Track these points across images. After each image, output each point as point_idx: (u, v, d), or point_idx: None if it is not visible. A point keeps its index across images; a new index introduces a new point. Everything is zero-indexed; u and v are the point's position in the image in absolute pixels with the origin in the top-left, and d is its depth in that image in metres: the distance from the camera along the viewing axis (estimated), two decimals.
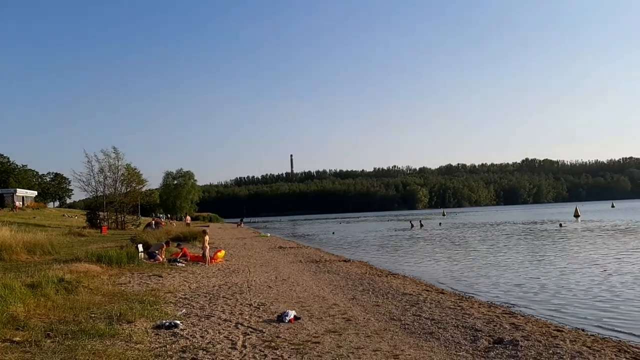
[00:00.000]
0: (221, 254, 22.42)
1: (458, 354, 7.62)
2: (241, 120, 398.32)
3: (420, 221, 64.13)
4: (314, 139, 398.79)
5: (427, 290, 14.32)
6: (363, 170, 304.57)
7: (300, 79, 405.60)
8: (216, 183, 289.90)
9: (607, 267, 18.77)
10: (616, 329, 9.96)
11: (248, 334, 8.71)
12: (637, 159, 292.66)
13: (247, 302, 11.79)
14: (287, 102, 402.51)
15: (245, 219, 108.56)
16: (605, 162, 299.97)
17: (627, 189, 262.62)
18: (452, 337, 8.64)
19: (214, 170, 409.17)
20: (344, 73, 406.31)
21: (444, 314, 10.59)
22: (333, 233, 54.34)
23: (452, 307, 11.54)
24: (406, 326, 9.44)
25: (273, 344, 8.07)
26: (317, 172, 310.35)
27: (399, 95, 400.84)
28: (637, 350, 8.12)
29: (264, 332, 8.82)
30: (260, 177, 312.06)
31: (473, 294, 14.35)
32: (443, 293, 14.08)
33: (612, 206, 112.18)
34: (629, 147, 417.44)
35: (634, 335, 9.43)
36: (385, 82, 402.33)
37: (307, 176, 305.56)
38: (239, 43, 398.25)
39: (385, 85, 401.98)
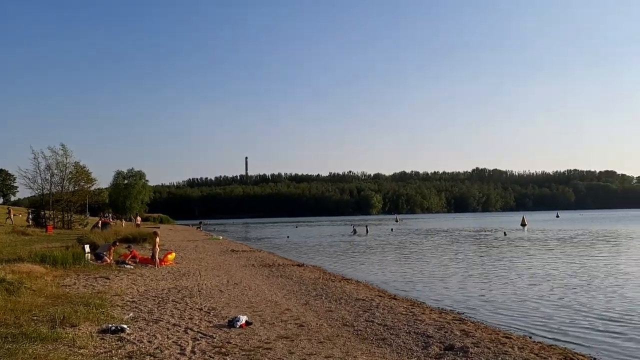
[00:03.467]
0: (171, 256, 21.94)
1: None
2: (196, 120, 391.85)
3: (366, 227, 64.29)
4: (270, 142, 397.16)
5: (380, 296, 14.37)
6: (319, 174, 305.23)
7: (257, 81, 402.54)
8: (168, 184, 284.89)
9: (552, 274, 19.34)
10: (561, 335, 10.21)
11: (198, 340, 8.49)
12: (580, 171, 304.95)
13: (197, 307, 11.53)
14: (243, 103, 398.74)
15: (204, 223, 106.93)
16: (551, 173, 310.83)
17: (571, 200, 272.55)
18: (404, 343, 8.66)
19: (166, 170, 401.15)
20: (302, 77, 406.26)
21: (396, 320, 10.62)
22: (287, 237, 54.13)
23: (404, 313, 11.60)
24: (359, 332, 9.41)
25: (223, 349, 7.89)
26: (272, 175, 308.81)
27: (357, 103, 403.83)
28: (582, 357, 8.35)
29: (214, 338, 8.62)
30: (214, 179, 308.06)
31: (425, 300, 14.49)
32: (396, 299, 14.16)
33: (557, 216, 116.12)
34: (574, 159, 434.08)
35: (579, 345, 9.67)
36: (342, 89, 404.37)
37: (262, 179, 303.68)
38: (191, 41, 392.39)
39: (343, 91, 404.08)
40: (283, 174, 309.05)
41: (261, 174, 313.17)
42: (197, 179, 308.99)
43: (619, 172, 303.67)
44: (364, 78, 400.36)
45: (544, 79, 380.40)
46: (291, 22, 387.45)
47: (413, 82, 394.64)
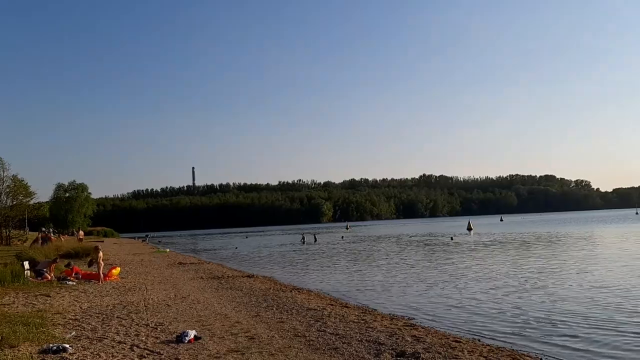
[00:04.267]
0: (116, 271, 21.26)
1: None
2: (139, 130, 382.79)
3: (314, 235, 64.27)
4: (218, 151, 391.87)
5: (332, 305, 14.32)
6: (268, 183, 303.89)
7: (203, 89, 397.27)
8: (112, 196, 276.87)
9: (498, 277, 19.83)
10: (509, 337, 10.41)
11: (144, 357, 8.19)
12: (522, 176, 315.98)
13: (143, 322, 11.15)
14: (188, 112, 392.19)
15: (150, 235, 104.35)
16: (495, 178, 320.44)
17: (514, 204, 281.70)
18: (356, 351, 8.62)
19: (110, 182, 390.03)
20: (247, 86, 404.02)
21: (348, 329, 10.58)
22: (236, 248, 53.50)
23: (356, 321, 11.58)
24: (311, 342, 9.31)
25: None
26: (221, 185, 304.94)
27: (306, 111, 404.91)
28: (529, 357, 8.52)
29: (162, 354, 8.34)
30: (159, 190, 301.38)
31: (377, 307, 14.53)
32: (347, 307, 14.14)
33: (501, 220, 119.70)
34: (515, 165, 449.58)
35: (527, 345, 9.89)
36: (289, 96, 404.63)
37: (210, 189, 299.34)
38: (138, 49, 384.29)
39: (290, 99, 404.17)
40: (231, 184, 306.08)
41: (209, 184, 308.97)
42: (142, 190, 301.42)
43: (558, 176, 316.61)
44: (311, 87, 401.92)
45: (487, 86, 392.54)
46: (229, 22, 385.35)
47: (359, 91, 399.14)
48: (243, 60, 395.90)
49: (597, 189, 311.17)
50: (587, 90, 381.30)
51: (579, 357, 8.85)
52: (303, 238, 59.48)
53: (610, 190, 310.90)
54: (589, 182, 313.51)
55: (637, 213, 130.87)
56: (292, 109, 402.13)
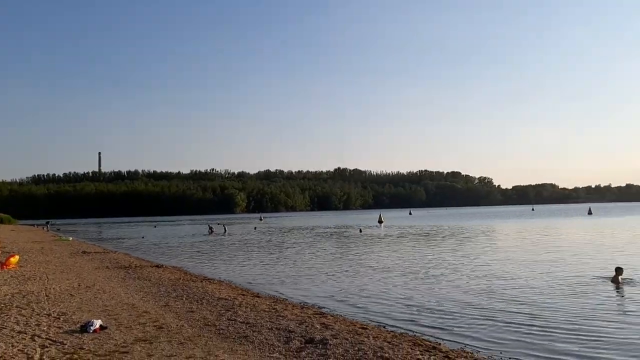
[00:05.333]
0: (14, 259, 20.12)
1: (271, 355, 7.74)
2: (43, 111, 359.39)
3: (224, 226, 63.63)
4: (126, 137, 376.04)
5: (243, 295, 14.37)
6: (179, 172, 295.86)
7: (110, 68, 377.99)
8: (9, 180, 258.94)
9: (404, 266, 20.70)
10: (412, 324, 10.95)
11: (47, 347, 7.91)
12: (431, 172, 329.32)
13: (45, 312, 10.70)
14: (95, 93, 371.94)
15: (52, 222, 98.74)
16: (405, 173, 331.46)
17: (422, 199, 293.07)
18: (266, 339, 8.76)
19: (6, 165, 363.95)
20: (157, 70, 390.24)
21: (258, 317, 10.70)
22: (143, 237, 51.95)
23: (267, 310, 11.72)
24: (221, 331, 9.35)
25: (75, 356, 7.45)
26: (129, 172, 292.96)
27: (219, 99, 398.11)
28: (429, 343, 9.04)
29: (65, 344, 8.08)
30: (62, 175, 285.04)
31: (288, 296, 14.75)
32: (258, 297, 14.25)
33: (410, 213, 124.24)
34: (425, 161, 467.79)
35: (428, 330, 10.45)
36: (202, 84, 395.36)
37: (117, 176, 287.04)
38: (36, 23, 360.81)
39: (202, 87, 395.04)
40: (140, 171, 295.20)
41: (116, 170, 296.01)
42: (43, 175, 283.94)
43: (463, 173, 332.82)
44: (225, 76, 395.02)
45: (398, 85, 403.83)
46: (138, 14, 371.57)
47: (275, 80, 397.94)
48: (154, 43, 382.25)
49: (499, 186, 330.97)
50: (489, 92, 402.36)
51: (474, 342, 9.47)
52: (210, 228, 58.40)
53: (510, 187, 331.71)
54: (492, 179, 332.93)
55: (532, 209, 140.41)
56: (205, 97, 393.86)
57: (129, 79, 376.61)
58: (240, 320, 10.33)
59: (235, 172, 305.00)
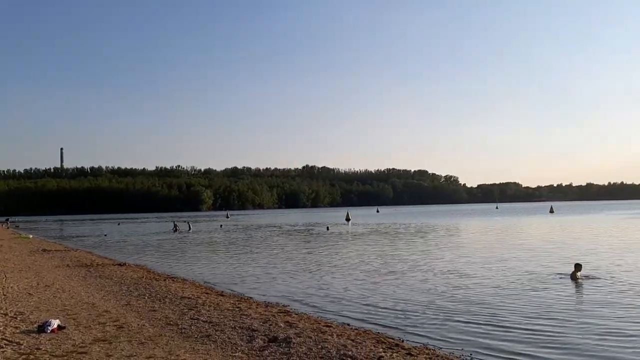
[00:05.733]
0: None
1: (234, 354, 7.66)
2: (0, 105, 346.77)
3: (188, 223, 63.03)
4: (89, 133, 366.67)
5: (207, 293, 14.22)
6: (144, 168, 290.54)
7: (74, 64, 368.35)
8: None
9: (369, 264, 20.83)
10: (376, 321, 10.99)
11: (2, 347, 7.71)
12: (398, 170, 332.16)
13: (1, 312, 10.40)
14: (57, 87, 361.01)
15: (11, 219, 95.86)
16: (373, 172, 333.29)
17: (390, 196, 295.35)
18: (229, 338, 8.67)
19: None
20: (121, 64, 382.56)
21: (222, 316, 10.59)
22: (105, 235, 50.99)
23: (230, 308, 11.61)
24: (183, 330, 9.22)
25: (32, 356, 7.26)
26: (92, 168, 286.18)
27: (187, 95, 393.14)
28: (392, 340, 9.09)
29: (22, 344, 7.86)
30: (22, 171, 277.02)
31: (253, 295, 14.65)
32: (222, 295, 14.12)
33: (377, 211, 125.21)
34: (392, 160, 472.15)
35: (391, 328, 10.50)
36: (169, 80, 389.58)
37: (80, 172, 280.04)
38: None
39: (167, 81, 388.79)
40: (104, 167, 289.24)
41: (79, 166, 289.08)
42: (3, 171, 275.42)
43: (430, 171, 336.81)
44: (187, 68, 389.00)
45: (360, 84, 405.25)
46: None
47: (242, 77, 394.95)
48: (115, 37, 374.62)
49: (464, 185, 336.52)
50: (456, 93, 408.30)
51: (436, 339, 9.56)
52: (175, 226, 57.64)
53: (475, 186, 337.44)
54: (457, 178, 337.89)
55: (497, 208, 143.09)
56: (170, 93, 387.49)
57: (91, 73, 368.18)
58: (203, 319, 10.21)
59: (202, 169, 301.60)
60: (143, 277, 17.60)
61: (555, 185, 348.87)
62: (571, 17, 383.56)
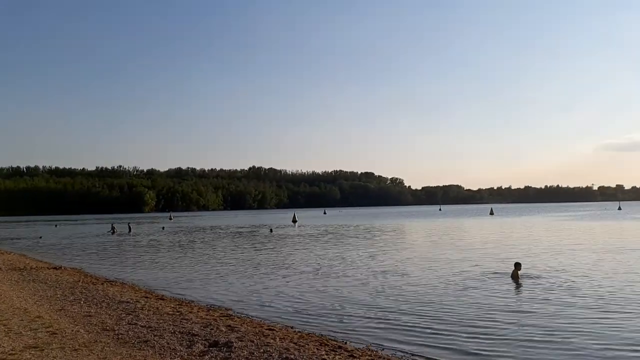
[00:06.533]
0: None
1: None
2: None
3: (129, 225, 61.33)
4: (23, 130, 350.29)
5: (146, 297, 13.84)
6: (84, 168, 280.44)
7: (9, 58, 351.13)
8: None
9: (316, 265, 20.82)
10: (320, 323, 10.98)
11: None
12: (345, 172, 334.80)
13: None
14: None
15: None
16: (321, 173, 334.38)
17: (337, 198, 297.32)
18: (168, 343, 8.45)
19: None
20: (61, 59, 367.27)
21: (161, 321, 10.32)
22: (40, 237, 48.95)
23: (170, 313, 11.33)
24: (120, 336, 8.92)
25: None
26: (28, 167, 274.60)
27: (129, 93, 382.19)
28: (335, 343, 9.10)
29: None
30: None
31: (195, 298, 14.37)
32: (163, 299, 13.77)
33: (325, 213, 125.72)
34: (339, 161, 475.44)
35: (334, 330, 10.52)
36: (110, 77, 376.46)
37: (15, 172, 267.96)
38: None
39: (107, 79, 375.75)
40: (41, 167, 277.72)
41: (14, 166, 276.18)
42: None
43: (376, 173, 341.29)
44: (130, 66, 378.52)
45: (308, 86, 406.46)
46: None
47: (186, 77, 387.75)
48: (54, 32, 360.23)
49: (409, 187, 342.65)
50: (401, 98, 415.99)
51: (378, 340, 9.64)
52: (113, 228, 56.01)
53: (419, 188, 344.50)
54: (403, 180, 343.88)
55: (440, 209, 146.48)
56: (111, 92, 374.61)
57: (26, 68, 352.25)
58: (142, 324, 9.91)
59: (145, 170, 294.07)
60: (79, 280, 16.97)
61: (495, 188, 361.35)
62: (514, 23, 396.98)
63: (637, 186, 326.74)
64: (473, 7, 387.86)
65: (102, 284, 16.40)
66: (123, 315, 10.88)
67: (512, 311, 11.80)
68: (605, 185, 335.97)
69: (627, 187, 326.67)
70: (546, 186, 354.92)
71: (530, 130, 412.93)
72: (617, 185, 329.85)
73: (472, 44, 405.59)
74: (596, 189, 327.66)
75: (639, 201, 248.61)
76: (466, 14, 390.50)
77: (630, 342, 9.08)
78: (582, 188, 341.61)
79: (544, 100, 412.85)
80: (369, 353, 8.46)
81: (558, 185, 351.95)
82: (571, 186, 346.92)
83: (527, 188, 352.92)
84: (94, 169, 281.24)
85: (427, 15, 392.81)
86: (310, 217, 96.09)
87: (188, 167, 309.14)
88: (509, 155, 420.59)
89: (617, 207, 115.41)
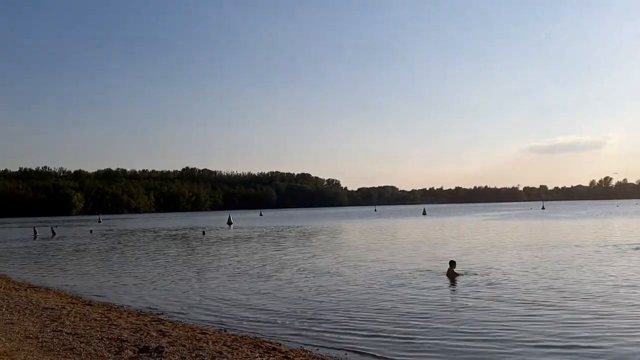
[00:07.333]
0: None
1: None
2: None
3: (52, 228, 58.53)
4: None
5: (73, 303, 13.30)
6: (6, 169, 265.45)
7: None
8: None
9: (249, 268, 20.67)
10: (254, 325, 10.91)
11: None
12: (281, 173, 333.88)
13: None
14: None
15: None
16: (257, 174, 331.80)
17: (273, 199, 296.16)
18: (96, 350, 8.14)
19: None
20: None
21: (88, 327, 9.94)
22: None
23: (98, 319, 10.93)
24: (44, 344, 8.52)
25: None
26: None
27: (57, 90, 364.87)
28: (269, 344, 9.06)
29: None
30: None
31: (125, 303, 13.93)
32: (90, 305, 13.28)
33: (261, 214, 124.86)
34: (276, 163, 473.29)
35: (268, 332, 10.48)
36: (34, 76, 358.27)
37: None
38: None
39: (36, 80, 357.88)
40: None
41: None
42: None
43: (313, 174, 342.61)
44: (57, 63, 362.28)
45: (242, 86, 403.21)
46: None
47: (115, 75, 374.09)
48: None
49: (345, 188, 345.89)
50: (337, 99, 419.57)
51: (312, 341, 9.68)
52: (35, 232, 53.47)
53: (355, 189, 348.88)
54: (339, 181, 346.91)
55: (375, 210, 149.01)
56: (34, 89, 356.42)
57: None
58: (67, 331, 9.51)
59: (72, 171, 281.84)
60: (1, 287, 16.08)
61: (428, 189, 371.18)
62: (442, 24, 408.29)
63: (559, 187, 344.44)
64: (404, 9, 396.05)
65: (25, 289, 15.63)
66: (48, 322, 10.40)
67: (447, 309, 12.13)
68: (530, 185, 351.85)
69: (550, 187, 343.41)
70: (475, 187, 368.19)
71: (460, 132, 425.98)
72: (541, 185, 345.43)
73: (402, 45, 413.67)
74: (522, 189, 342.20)
75: (561, 201, 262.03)
76: (395, 16, 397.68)
77: (556, 334, 9.53)
78: (508, 189, 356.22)
79: (472, 105, 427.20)
80: (304, 354, 8.48)
81: (487, 186, 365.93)
82: (499, 187, 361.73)
83: (457, 189, 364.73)
84: (17, 169, 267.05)
85: (359, 17, 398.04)
86: (246, 219, 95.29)
87: (118, 168, 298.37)
88: (440, 157, 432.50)
89: (541, 207, 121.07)
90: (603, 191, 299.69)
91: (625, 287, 14.27)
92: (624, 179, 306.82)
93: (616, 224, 49.03)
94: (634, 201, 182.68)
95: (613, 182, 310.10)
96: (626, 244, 26.73)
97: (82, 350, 8.15)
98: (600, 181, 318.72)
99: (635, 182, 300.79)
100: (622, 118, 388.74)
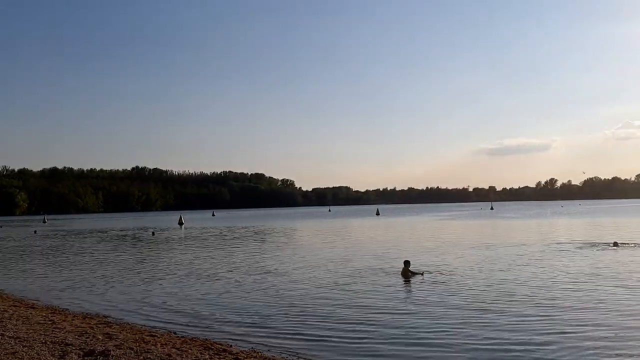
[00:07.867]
0: None
1: None
2: None
3: None
4: None
5: (15, 306, 12.82)
6: None
7: None
8: None
9: (199, 269, 20.44)
10: (204, 328, 10.81)
11: None
12: (235, 172, 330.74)
13: None
14: None
15: None
16: (209, 174, 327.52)
17: (227, 199, 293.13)
18: (39, 354, 7.87)
19: None
20: None
21: (31, 330, 9.60)
22: None
23: (42, 322, 10.58)
24: None
25: None
26: None
27: (1, 88, 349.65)
28: (219, 346, 8.98)
29: None
30: None
31: (70, 306, 13.52)
32: (34, 307, 12.83)
33: (213, 215, 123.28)
34: (229, 162, 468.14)
35: (218, 333, 10.39)
36: None
37: None
38: None
39: None
40: None
41: None
42: None
43: (267, 174, 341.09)
44: (2, 59, 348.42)
45: (195, 85, 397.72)
46: None
47: (63, 69, 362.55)
48: None
49: (300, 188, 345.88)
50: (289, 100, 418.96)
51: (263, 342, 9.66)
52: None
53: (310, 189, 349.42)
54: (293, 181, 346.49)
55: (329, 210, 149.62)
56: None
57: None
58: (9, 335, 9.15)
59: (15, 169, 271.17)
60: None
61: (381, 189, 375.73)
62: (390, 28, 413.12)
63: (508, 187, 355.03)
64: (352, 14, 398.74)
65: None
66: None
67: (401, 309, 12.28)
68: (480, 186, 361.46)
69: (498, 188, 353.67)
70: (427, 187, 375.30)
71: (411, 134, 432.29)
72: (490, 186, 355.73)
73: (353, 49, 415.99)
74: (472, 190, 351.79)
75: (509, 201, 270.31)
76: (347, 20, 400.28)
77: (510, 330, 9.82)
78: (459, 189, 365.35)
79: (421, 108, 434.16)
80: (255, 355, 8.46)
81: (438, 187, 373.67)
82: (450, 188, 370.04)
83: (410, 189, 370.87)
84: None
85: (318, 18, 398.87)
86: (198, 219, 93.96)
87: (65, 167, 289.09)
88: (393, 158, 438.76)
89: (490, 207, 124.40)
90: (549, 192, 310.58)
91: (568, 284, 14.88)
92: (569, 180, 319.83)
93: (560, 224, 51.05)
94: (577, 202, 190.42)
95: (558, 184, 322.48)
96: (569, 242, 27.99)
97: (24, 354, 7.87)
98: (546, 182, 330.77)
99: (578, 184, 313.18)
100: (565, 122, 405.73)
